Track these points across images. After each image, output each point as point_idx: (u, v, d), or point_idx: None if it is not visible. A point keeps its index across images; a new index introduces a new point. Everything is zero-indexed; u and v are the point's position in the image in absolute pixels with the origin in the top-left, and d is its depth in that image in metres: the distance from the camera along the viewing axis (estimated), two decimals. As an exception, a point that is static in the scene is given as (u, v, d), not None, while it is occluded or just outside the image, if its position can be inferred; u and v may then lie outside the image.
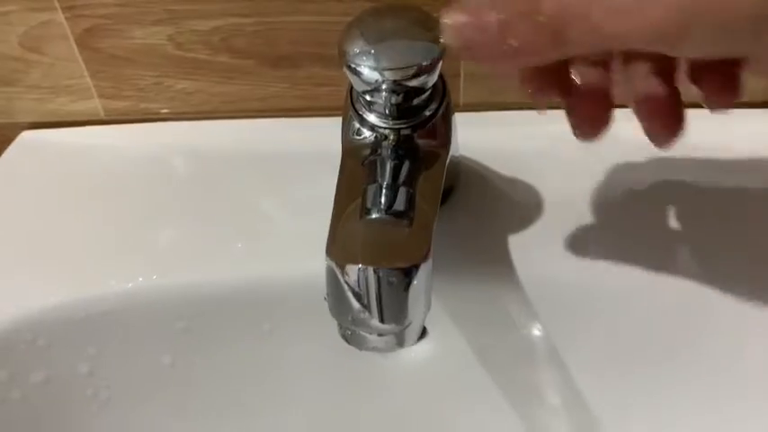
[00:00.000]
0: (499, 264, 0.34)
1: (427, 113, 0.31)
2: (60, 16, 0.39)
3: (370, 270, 0.22)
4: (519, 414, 0.37)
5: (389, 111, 0.30)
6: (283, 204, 0.38)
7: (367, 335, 0.23)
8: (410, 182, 0.29)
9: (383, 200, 0.28)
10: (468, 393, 0.37)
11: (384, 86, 0.28)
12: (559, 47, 0.22)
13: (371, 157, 0.30)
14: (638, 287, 0.34)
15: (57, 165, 0.42)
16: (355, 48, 0.28)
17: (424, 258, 0.23)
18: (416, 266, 0.22)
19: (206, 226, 0.37)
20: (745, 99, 0.35)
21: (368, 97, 0.29)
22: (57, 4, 0.39)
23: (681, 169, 0.38)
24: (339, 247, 0.23)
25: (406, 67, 0.27)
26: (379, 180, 0.29)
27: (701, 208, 0.36)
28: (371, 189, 0.29)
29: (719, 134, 0.40)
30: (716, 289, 0.33)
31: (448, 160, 0.31)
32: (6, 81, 0.42)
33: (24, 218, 0.39)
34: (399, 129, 0.30)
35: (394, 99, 0.29)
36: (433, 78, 0.29)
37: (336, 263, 0.22)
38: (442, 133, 0.31)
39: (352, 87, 0.31)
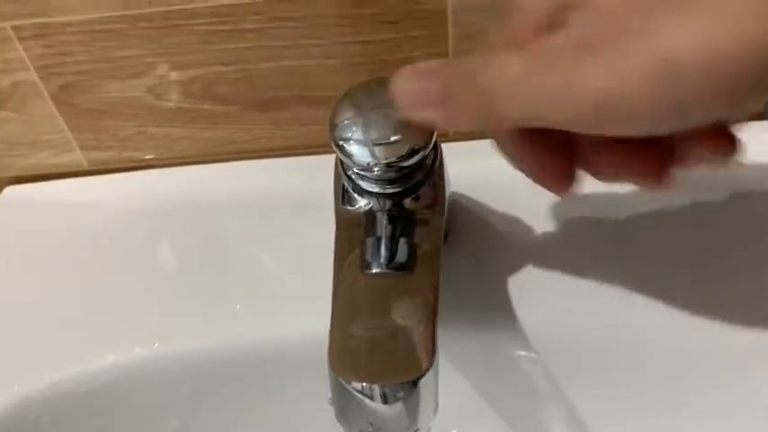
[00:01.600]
0: (497, 309, 0.34)
1: (423, 172, 0.30)
2: (33, 75, 0.38)
3: (376, 386, 0.22)
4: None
5: (382, 181, 0.29)
6: (276, 257, 0.38)
7: (376, 442, 0.23)
8: (409, 236, 0.29)
9: (383, 253, 0.28)
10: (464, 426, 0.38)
11: (376, 169, 0.27)
12: (495, 120, 0.22)
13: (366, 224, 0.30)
14: (636, 328, 0.34)
15: (43, 222, 0.41)
16: (347, 132, 0.27)
17: (430, 365, 0.22)
18: (423, 376, 0.22)
19: (201, 286, 0.37)
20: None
21: (361, 171, 0.29)
22: (29, 64, 0.37)
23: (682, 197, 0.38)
24: (342, 358, 0.23)
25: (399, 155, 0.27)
26: (378, 233, 0.29)
27: (708, 234, 0.36)
28: (370, 242, 0.29)
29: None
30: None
31: (445, 216, 0.31)
32: (-17, 139, 0.41)
33: (15, 285, 0.38)
34: (393, 194, 0.30)
35: (386, 175, 0.28)
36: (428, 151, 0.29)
37: (342, 377, 0.22)
38: (437, 194, 0.31)
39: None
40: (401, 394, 0.22)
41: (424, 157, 0.30)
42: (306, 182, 0.39)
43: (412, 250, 0.29)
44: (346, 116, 0.28)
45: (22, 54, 0.37)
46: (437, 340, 0.24)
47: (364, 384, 0.22)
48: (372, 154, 0.28)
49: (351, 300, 0.26)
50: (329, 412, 0.35)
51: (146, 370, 0.34)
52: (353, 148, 0.28)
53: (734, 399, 0.34)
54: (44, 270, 0.39)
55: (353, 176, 0.30)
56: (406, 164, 0.28)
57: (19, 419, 0.33)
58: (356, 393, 0.22)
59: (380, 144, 0.27)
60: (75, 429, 0.35)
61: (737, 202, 0.37)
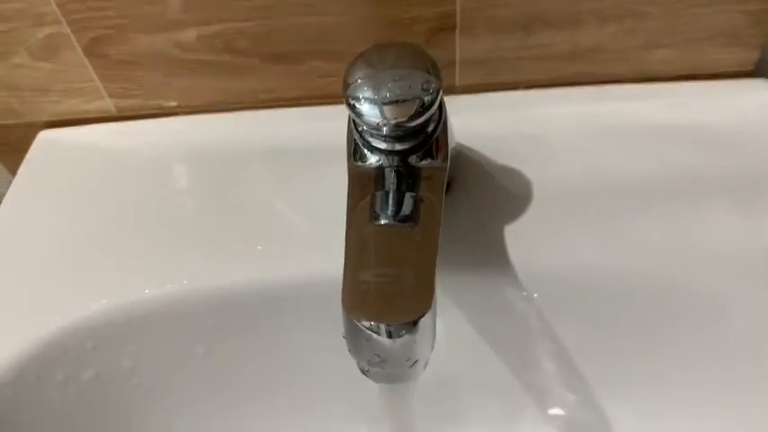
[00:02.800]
0: (497, 255, 0.37)
1: (428, 131, 0.33)
2: (66, 29, 0.40)
3: (382, 325, 0.25)
4: (521, 383, 0.42)
5: (391, 138, 0.32)
6: (294, 202, 0.41)
7: (382, 371, 0.27)
8: (414, 190, 0.32)
9: (390, 206, 0.32)
10: (471, 369, 0.42)
11: (385, 129, 0.30)
12: None
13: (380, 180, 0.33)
14: (627, 270, 0.37)
15: (76, 165, 0.44)
16: (358, 92, 0.30)
17: (428, 307, 0.26)
18: (422, 316, 0.26)
19: (225, 228, 0.40)
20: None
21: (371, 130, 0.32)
22: (62, 19, 0.40)
23: (671, 150, 0.41)
24: (354, 301, 0.26)
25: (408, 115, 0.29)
26: (386, 187, 0.32)
27: (698, 190, 0.39)
28: (380, 196, 0.32)
29: (696, 111, 0.42)
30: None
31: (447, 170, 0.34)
32: (21, 87, 0.44)
33: (52, 222, 0.42)
34: (401, 151, 0.33)
35: (395, 133, 0.31)
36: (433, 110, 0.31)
37: (353, 317, 0.26)
38: (441, 149, 0.34)
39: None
40: (403, 332, 0.25)
41: (430, 117, 0.32)
42: (322, 130, 0.42)
43: (416, 204, 0.32)
44: (359, 76, 0.31)
45: (55, 8, 0.39)
46: (435, 286, 0.27)
47: (372, 323, 0.25)
48: (382, 114, 0.30)
49: (361, 247, 0.30)
50: (342, 344, 0.38)
51: (176, 304, 0.38)
52: (364, 108, 0.30)
53: (711, 337, 0.37)
54: (78, 210, 0.42)
55: (364, 134, 0.33)
56: (413, 124, 0.31)
57: (63, 346, 0.37)
58: (365, 330, 0.25)
59: (390, 103, 0.30)
60: (114, 354, 0.39)
61: (725, 156, 0.40)
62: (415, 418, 0.36)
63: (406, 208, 0.32)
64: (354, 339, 0.26)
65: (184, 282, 0.38)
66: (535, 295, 0.38)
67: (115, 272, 0.39)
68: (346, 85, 0.31)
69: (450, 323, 0.40)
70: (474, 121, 0.43)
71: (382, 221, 0.31)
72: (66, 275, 0.39)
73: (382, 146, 0.33)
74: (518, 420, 0.44)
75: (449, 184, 0.40)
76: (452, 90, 0.45)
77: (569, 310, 0.38)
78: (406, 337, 0.25)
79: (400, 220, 0.31)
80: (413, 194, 0.32)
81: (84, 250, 0.40)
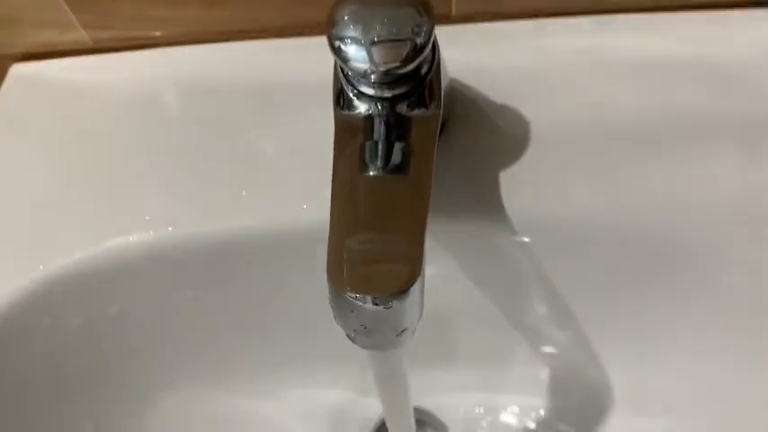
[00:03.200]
0: (490, 201, 0.36)
1: (420, 74, 0.31)
2: None
3: (369, 296, 0.24)
4: (513, 323, 0.42)
5: (380, 84, 0.30)
6: (281, 144, 0.39)
7: (369, 339, 0.26)
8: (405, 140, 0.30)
9: (380, 157, 0.30)
10: (463, 310, 0.41)
11: (373, 76, 0.28)
12: None
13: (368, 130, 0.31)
14: (623, 219, 0.36)
15: (50, 101, 0.42)
16: (344, 32, 0.28)
17: (417, 276, 0.25)
18: (410, 287, 0.24)
19: (210, 172, 0.38)
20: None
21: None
22: (25, -55, 0.37)
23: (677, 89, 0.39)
24: (338, 271, 0.25)
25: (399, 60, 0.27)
26: (375, 137, 0.30)
27: (703, 134, 0.37)
28: (368, 146, 0.30)
29: (704, 45, 0.40)
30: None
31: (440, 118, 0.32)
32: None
33: (30, 164, 0.40)
34: (391, 98, 0.31)
35: (384, 79, 0.29)
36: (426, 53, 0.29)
37: (338, 288, 0.25)
38: (434, 95, 0.32)
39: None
40: (390, 303, 0.24)
41: (422, 60, 0.30)
42: (309, 64, 0.39)
43: (407, 154, 0.30)
44: (344, 13, 0.28)
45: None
46: (424, 254, 0.26)
47: (358, 294, 0.24)
48: (371, 58, 0.28)
49: (347, 204, 0.28)
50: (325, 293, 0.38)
51: (162, 250, 0.37)
52: (350, 51, 0.28)
53: (707, 285, 0.36)
54: (55, 151, 0.41)
55: (351, 79, 0.31)
56: (404, 70, 0.29)
57: (48, 293, 0.37)
58: (350, 300, 0.25)
59: (379, 43, 0.28)
60: (99, 301, 0.38)
61: (733, 96, 0.38)
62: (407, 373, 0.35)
63: (396, 158, 0.30)
64: (339, 308, 0.25)
65: (169, 228, 0.37)
66: (528, 240, 0.37)
67: (97, 217, 0.38)
68: (331, 24, 0.29)
69: (442, 267, 0.39)
70: (471, 54, 0.40)
71: (371, 173, 0.30)
72: (48, 221, 0.38)
73: (370, 92, 0.31)
74: (510, 360, 0.45)
75: (442, 125, 0.38)
76: (448, 20, 0.42)
77: (564, 257, 0.38)
78: (393, 308, 0.24)
79: (390, 171, 0.30)
80: (403, 144, 0.31)
81: (64, 194, 0.39)
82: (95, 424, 0.40)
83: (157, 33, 0.43)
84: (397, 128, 0.31)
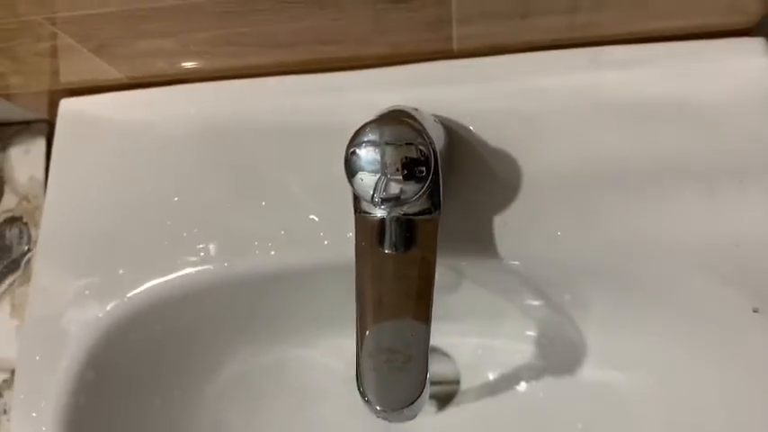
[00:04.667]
0: (486, 239, 0.44)
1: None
2: (70, 40, 0.41)
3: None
4: (501, 297, 0.51)
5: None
6: (308, 182, 0.46)
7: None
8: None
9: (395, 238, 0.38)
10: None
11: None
12: None
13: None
14: (597, 260, 0.43)
15: (102, 137, 0.48)
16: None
17: (421, 393, 0.34)
18: (416, 400, 0.34)
19: (254, 210, 0.46)
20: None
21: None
22: (65, 35, 0.41)
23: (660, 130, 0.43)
24: (365, 387, 0.34)
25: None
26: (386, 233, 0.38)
27: (679, 175, 0.42)
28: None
29: (687, 81, 0.44)
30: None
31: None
32: (38, 72, 0.46)
33: (96, 205, 0.48)
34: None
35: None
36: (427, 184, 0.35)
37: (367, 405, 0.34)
38: (436, 201, 0.38)
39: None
40: (401, 415, 0.34)
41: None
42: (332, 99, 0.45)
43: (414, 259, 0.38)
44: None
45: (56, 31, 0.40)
46: (428, 371, 0.35)
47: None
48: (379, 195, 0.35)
49: (369, 307, 0.37)
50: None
51: (220, 279, 0.46)
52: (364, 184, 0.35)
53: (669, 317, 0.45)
54: (115, 186, 0.48)
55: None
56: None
57: (133, 320, 0.47)
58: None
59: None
60: (176, 316, 0.48)
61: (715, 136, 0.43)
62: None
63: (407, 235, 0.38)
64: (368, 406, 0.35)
65: (225, 264, 0.45)
66: (517, 266, 0.45)
67: (161, 250, 0.46)
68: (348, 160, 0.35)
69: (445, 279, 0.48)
70: (469, 94, 0.45)
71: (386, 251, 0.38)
72: (120, 255, 0.47)
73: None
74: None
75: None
76: (450, 54, 0.46)
77: (547, 281, 0.46)
78: (405, 414, 0.34)
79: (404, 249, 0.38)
80: (407, 246, 0.38)
81: (129, 227, 0.47)
82: (181, 390, 0.52)
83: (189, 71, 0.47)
84: (406, 230, 0.38)
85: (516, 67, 0.45)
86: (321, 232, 0.45)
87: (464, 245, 0.44)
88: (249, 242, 0.45)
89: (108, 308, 0.46)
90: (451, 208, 0.43)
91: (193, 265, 0.46)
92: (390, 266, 0.38)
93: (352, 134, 0.36)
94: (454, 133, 0.44)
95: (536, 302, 0.50)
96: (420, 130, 0.35)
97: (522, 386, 0.55)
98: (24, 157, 0.60)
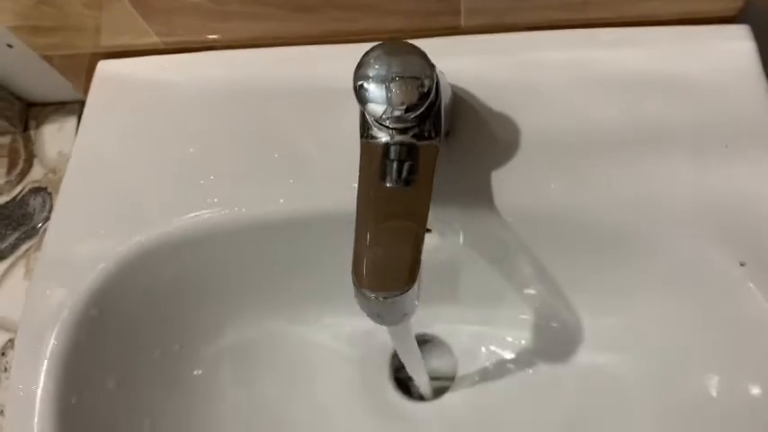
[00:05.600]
0: (483, 193, 0.46)
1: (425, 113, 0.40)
2: (115, -13, 0.46)
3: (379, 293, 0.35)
4: (498, 274, 0.53)
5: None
6: (319, 139, 0.49)
7: (382, 320, 0.37)
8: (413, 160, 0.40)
9: (394, 173, 0.40)
10: (458, 262, 0.52)
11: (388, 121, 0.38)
12: None
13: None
14: (590, 213, 0.45)
15: (133, 95, 0.52)
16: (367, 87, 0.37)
17: (413, 282, 0.36)
18: (408, 289, 0.35)
19: (264, 160, 0.49)
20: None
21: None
22: (110, -20, 0.45)
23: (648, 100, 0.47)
24: (358, 274, 0.36)
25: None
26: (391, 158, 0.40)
27: (666, 140, 0.45)
28: (386, 165, 0.40)
29: (674, 59, 0.47)
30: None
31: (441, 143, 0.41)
32: (79, 28, 0.51)
33: (122, 153, 0.51)
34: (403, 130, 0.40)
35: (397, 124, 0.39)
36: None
37: (358, 287, 0.36)
38: (438, 129, 0.41)
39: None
40: (393, 298, 0.35)
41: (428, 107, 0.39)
42: (344, 69, 0.48)
43: (413, 172, 0.40)
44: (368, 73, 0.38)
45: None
46: (420, 264, 0.36)
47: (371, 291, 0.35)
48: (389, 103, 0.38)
49: (368, 215, 0.39)
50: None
51: (232, 225, 0.48)
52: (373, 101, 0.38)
53: (651, 268, 0.47)
54: (141, 143, 0.51)
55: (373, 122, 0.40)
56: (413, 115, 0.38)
57: (144, 261, 0.49)
58: (367, 295, 0.36)
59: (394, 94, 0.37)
60: (186, 262, 0.50)
61: (698, 106, 0.46)
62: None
63: (405, 176, 0.40)
64: (361, 299, 0.36)
65: (235, 209, 0.48)
66: (513, 225, 0.47)
67: (176, 198, 0.48)
68: (356, 79, 0.38)
69: (443, 238, 0.50)
70: (475, 65, 0.49)
71: (387, 185, 0.40)
72: (140, 199, 0.49)
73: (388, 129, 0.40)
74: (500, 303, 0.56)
75: (448, 131, 0.47)
76: (458, 31, 0.50)
77: (542, 238, 0.48)
78: (396, 301, 0.36)
79: (401, 185, 0.40)
80: (411, 165, 0.40)
81: (151, 176, 0.49)
82: (181, 345, 0.53)
83: (215, 37, 0.52)
84: (407, 154, 0.40)
85: (517, 43, 0.49)
86: (329, 182, 0.47)
87: (463, 197, 0.46)
88: (261, 190, 0.48)
89: (119, 249, 0.48)
90: (452, 165, 0.46)
91: (206, 207, 0.48)
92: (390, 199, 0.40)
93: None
94: (458, 97, 0.48)
95: (529, 271, 0.51)
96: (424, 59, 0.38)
97: (518, 370, 0.55)
98: (56, 134, 0.64)
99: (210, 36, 0.52)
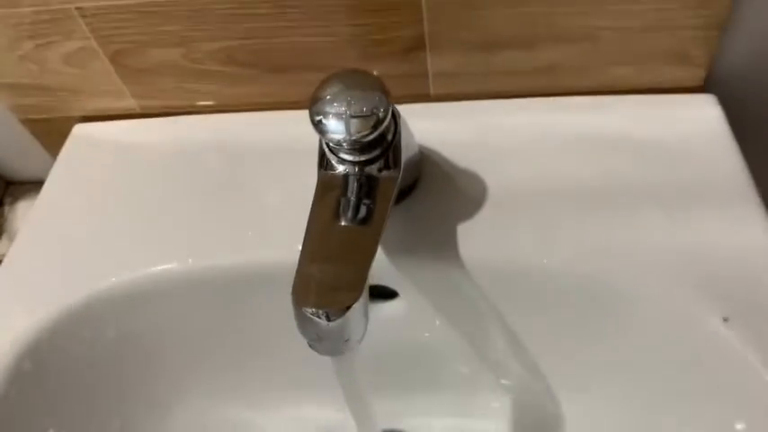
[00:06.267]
0: (451, 248, 0.44)
1: (386, 142, 0.39)
2: (94, 43, 0.48)
3: (321, 311, 0.32)
4: (470, 347, 0.49)
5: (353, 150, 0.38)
6: (281, 193, 0.47)
7: (322, 346, 0.34)
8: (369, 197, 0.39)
9: (350, 211, 0.38)
10: (427, 333, 0.49)
11: (345, 144, 0.37)
12: None
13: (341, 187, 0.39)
14: (560, 267, 0.43)
15: (106, 157, 0.52)
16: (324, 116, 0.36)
17: (358, 298, 0.33)
18: (352, 305, 0.32)
19: (223, 214, 0.47)
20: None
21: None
22: (90, 35, 0.47)
23: (613, 160, 0.46)
24: (300, 291, 0.33)
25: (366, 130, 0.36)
26: (348, 195, 0.39)
27: (632, 196, 0.44)
28: (343, 201, 0.38)
29: (643, 123, 0.47)
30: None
31: (399, 181, 0.40)
32: (59, 88, 0.52)
33: (87, 205, 0.50)
34: (362, 162, 0.39)
35: (355, 147, 0.38)
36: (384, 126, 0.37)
37: (298, 304, 0.33)
38: (397, 159, 0.40)
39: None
40: (336, 317, 0.32)
41: (385, 132, 0.38)
42: (311, 132, 0.48)
43: (369, 211, 0.38)
44: (325, 94, 0.37)
45: (84, 27, 0.46)
46: (366, 285, 0.34)
47: (313, 309, 0.32)
48: (347, 129, 0.37)
49: (315, 243, 0.36)
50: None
51: (183, 278, 0.46)
52: (330, 123, 0.37)
53: (628, 325, 0.43)
54: (104, 194, 0.50)
55: (333, 148, 0.39)
56: (370, 138, 0.37)
57: (90, 310, 0.46)
58: (309, 315, 0.33)
59: (354, 118, 0.36)
60: (131, 318, 0.47)
61: (662, 166, 0.45)
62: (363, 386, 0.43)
63: (362, 213, 0.38)
64: (300, 320, 0.33)
65: (189, 261, 0.46)
66: (483, 282, 0.44)
67: (132, 249, 0.47)
68: (314, 102, 0.37)
69: (414, 303, 0.47)
70: (443, 127, 0.49)
71: (342, 223, 0.38)
72: (95, 251, 0.47)
73: (348, 157, 0.39)
74: (475, 388, 0.51)
75: (413, 184, 0.46)
76: (428, 98, 0.51)
77: (513, 296, 0.45)
78: (339, 321, 0.32)
79: (358, 223, 0.38)
80: (367, 202, 0.39)
81: (107, 229, 0.48)
82: (122, 420, 0.48)
83: (187, 103, 0.52)
84: (366, 186, 0.39)
85: (483, 108, 0.50)
86: (289, 234, 0.45)
87: (430, 252, 0.44)
88: (218, 243, 0.46)
89: (64, 301, 0.45)
90: (418, 221, 0.45)
91: (159, 262, 0.46)
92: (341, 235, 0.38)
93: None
94: (424, 156, 0.47)
95: (502, 344, 0.48)
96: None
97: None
98: (29, 211, 0.63)
99: (185, 102, 0.52)
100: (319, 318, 0.32)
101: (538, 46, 0.46)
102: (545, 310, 0.45)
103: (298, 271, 0.34)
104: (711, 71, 0.48)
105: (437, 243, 0.44)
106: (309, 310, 0.32)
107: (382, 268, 0.44)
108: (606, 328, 0.44)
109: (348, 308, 0.32)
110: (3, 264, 0.48)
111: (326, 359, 0.44)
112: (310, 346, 0.35)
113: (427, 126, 0.48)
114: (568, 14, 0.44)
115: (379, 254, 0.44)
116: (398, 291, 0.47)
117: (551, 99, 0.49)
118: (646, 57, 0.47)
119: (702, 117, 0.47)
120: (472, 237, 0.44)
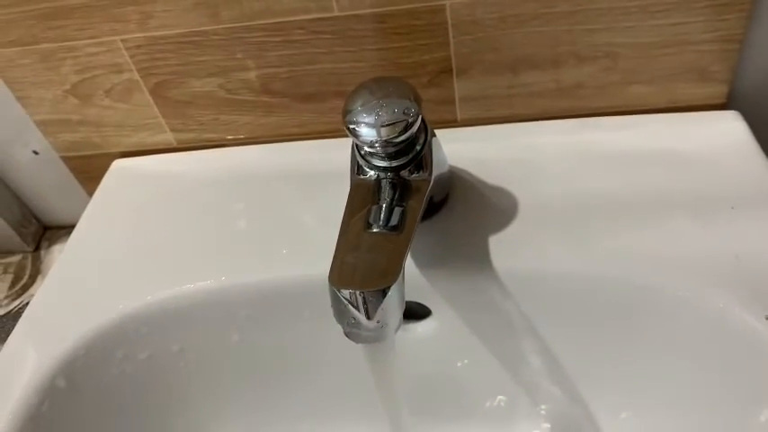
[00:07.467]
0: (484, 261, 0.44)
1: (417, 149, 0.40)
2: (136, 75, 0.50)
3: (358, 292, 0.32)
4: (506, 370, 0.48)
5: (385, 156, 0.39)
6: (313, 215, 0.48)
7: (359, 332, 0.34)
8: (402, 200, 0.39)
9: (382, 217, 0.39)
10: (462, 355, 0.48)
11: (378, 146, 0.38)
12: None
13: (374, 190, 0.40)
14: (594, 275, 0.43)
15: (143, 187, 0.54)
16: (356, 117, 0.38)
17: (394, 282, 0.33)
18: (389, 287, 0.33)
19: (258, 235, 0.48)
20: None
21: (367, 148, 0.39)
22: (133, 67, 0.50)
23: (641, 173, 0.47)
24: (336, 275, 0.33)
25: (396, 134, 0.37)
26: (380, 202, 0.39)
27: (662, 207, 0.44)
28: (374, 208, 0.39)
29: (669, 139, 0.48)
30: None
31: (431, 185, 0.41)
32: (101, 123, 0.54)
33: (124, 231, 0.51)
34: (394, 168, 0.40)
35: (387, 150, 0.39)
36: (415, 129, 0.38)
37: (335, 287, 0.33)
38: (427, 164, 0.41)
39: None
40: (374, 299, 0.32)
41: (416, 138, 0.40)
42: (341, 158, 0.50)
43: (403, 215, 0.39)
44: (357, 104, 0.38)
45: (128, 59, 0.49)
46: (404, 269, 0.34)
47: (350, 292, 0.32)
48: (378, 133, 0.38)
49: (351, 241, 0.37)
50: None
51: (216, 295, 0.46)
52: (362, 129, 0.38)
53: (670, 330, 0.42)
54: (142, 222, 0.51)
55: (365, 155, 0.40)
56: (400, 139, 0.38)
57: (124, 329, 0.46)
58: (344, 299, 0.33)
59: (385, 126, 0.37)
60: (164, 339, 0.47)
61: (689, 178, 0.46)
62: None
63: (394, 219, 0.39)
64: (337, 306, 0.33)
65: (222, 278, 0.46)
66: (516, 295, 0.44)
67: (168, 270, 0.47)
68: (346, 113, 0.39)
69: (444, 320, 0.46)
70: (471, 148, 0.50)
71: (375, 225, 0.38)
72: (130, 272, 0.48)
73: (380, 163, 0.40)
74: (513, 416, 0.50)
75: (444, 201, 0.47)
76: (455, 123, 0.52)
77: (548, 308, 0.44)
78: (377, 304, 0.32)
79: (389, 229, 0.38)
80: (400, 205, 0.39)
81: (141, 252, 0.49)
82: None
83: (224, 136, 0.54)
84: (399, 189, 0.40)
85: (511, 131, 0.51)
86: (323, 251, 0.46)
87: (458, 263, 0.44)
88: (251, 260, 0.47)
89: (99, 319, 0.46)
90: (449, 236, 0.45)
91: (193, 280, 0.46)
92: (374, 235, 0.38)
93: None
94: (456, 175, 0.48)
95: (538, 363, 0.47)
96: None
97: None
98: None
99: (220, 134, 0.54)
100: (356, 301, 0.32)
101: (561, 64, 0.48)
102: (580, 323, 0.44)
103: (334, 259, 0.35)
104: (733, 88, 0.49)
105: (468, 256, 0.44)
106: (347, 293, 0.32)
107: (414, 282, 0.43)
108: (645, 338, 0.43)
109: (386, 289, 0.32)
110: (41, 290, 0.48)
111: (363, 381, 0.44)
112: (346, 335, 0.34)
113: (456, 148, 0.49)
114: (589, 31, 0.46)
115: (411, 268, 0.44)
116: (431, 307, 0.47)
117: (578, 120, 0.50)
118: (667, 73, 0.48)
119: (729, 131, 0.48)
120: (503, 249, 0.44)
